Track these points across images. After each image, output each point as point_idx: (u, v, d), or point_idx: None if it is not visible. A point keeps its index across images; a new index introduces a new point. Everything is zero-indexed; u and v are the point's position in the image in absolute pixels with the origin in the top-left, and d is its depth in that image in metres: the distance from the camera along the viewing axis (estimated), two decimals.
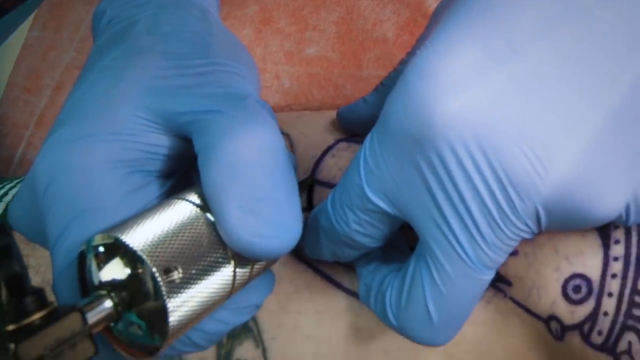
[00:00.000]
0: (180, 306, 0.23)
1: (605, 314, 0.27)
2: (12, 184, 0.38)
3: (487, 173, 0.22)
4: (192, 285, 0.23)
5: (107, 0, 0.32)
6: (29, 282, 0.21)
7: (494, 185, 0.22)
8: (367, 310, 0.29)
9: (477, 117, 0.22)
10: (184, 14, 0.31)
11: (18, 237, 0.34)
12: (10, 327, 0.20)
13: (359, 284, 0.29)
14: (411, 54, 0.32)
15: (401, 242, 0.31)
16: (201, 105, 0.26)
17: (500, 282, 0.30)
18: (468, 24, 0.23)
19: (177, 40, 0.29)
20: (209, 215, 0.25)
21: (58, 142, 0.26)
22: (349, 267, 0.32)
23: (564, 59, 0.22)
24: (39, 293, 0.21)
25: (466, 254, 0.23)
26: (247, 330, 0.32)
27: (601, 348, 0.27)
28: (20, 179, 0.39)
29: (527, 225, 0.23)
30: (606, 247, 0.27)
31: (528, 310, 0.29)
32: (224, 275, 0.25)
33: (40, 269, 0.35)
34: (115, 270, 0.23)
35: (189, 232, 0.24)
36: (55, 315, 0.20)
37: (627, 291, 0.27)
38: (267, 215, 0.24)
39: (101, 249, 0.23)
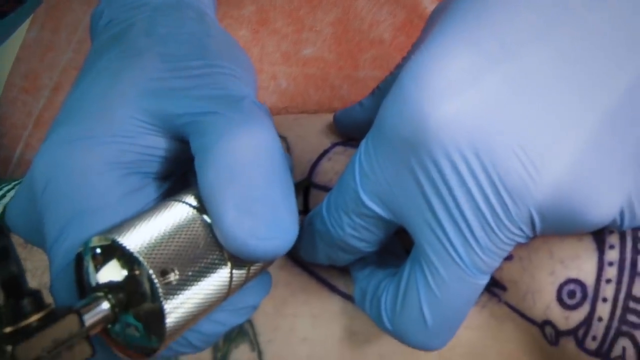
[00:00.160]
0: (177, 308, 0.23)
1: (600, 319, 0.27)
2: (9, 186, 0.38)
3: (481, 177, 0.22)
4: (189, 287, 0.23)
5: (105, 2, 0.32)
6: (26, 284, 0.21)
7: (488, 189, 0.22)
8: (362, 314, 0.29)
9: (472, 121, 0.22)
10: (181, 16, 0.31)
11: (16, 241, 0.34)
12: (8, 329, 0.20)
13: (354, 288, 0.30)
14: (407, 57, 0.32)
15: (397, 247, 0.31)
16: (198, 107, 0.26)
17: (495, 287, 0.30)
18: (463, 27, 0.23)
19: (175, 42, 0.29)
20: (205, 217, 0.25)
21: (56, 142, 0.26)
22: (344, 270, 0.32)
23: (560, 59, 0.22)
24: (36, 295, 0.21)
25: (460, 258, 0.23)
26: (243, 333, 0.32)
27: (595, 353, 0.27)
28: (18, 182, 0.39)
29: (521, 229, 0.23)
30: (601, 252, 0.27)
31: (523, 315, 0.29)
32: (220, 277, 0.25)
33: (37, 272, 0.35)
34: (113, 272, 0.23)
35: (185, 234, 0.24)
36: (52, 317, 0.20)
37: (622, 296, 0.27)
38: (264, 215, 0.24)
39: (98, 250, 0.23)
